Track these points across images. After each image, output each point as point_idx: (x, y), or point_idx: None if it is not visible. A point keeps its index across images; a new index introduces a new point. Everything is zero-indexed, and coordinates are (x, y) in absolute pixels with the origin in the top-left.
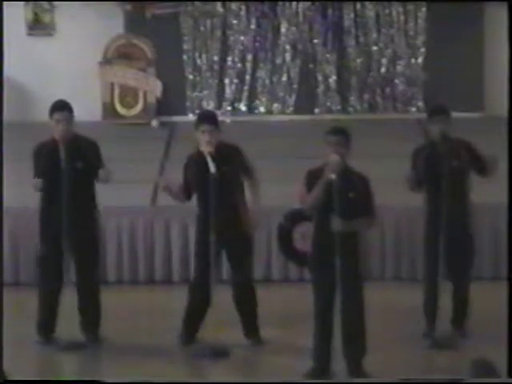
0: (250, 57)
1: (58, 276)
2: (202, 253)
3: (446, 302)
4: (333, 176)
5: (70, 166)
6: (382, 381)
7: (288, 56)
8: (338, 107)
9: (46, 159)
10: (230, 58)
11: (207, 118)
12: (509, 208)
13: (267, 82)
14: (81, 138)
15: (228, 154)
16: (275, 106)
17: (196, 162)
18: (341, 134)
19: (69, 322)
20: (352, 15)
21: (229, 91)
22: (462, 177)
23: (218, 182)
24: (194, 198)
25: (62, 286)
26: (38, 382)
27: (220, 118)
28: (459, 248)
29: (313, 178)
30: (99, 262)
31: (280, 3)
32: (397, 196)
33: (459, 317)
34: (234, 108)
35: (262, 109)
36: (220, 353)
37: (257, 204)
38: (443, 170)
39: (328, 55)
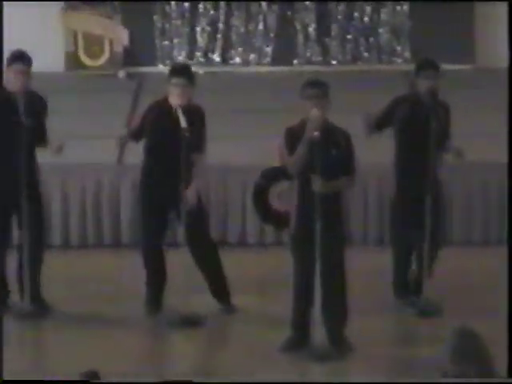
0: (222, 3)
1: (5, 240)
2: (157, 212)
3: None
4: (316, 133)
5: (27, 121)
6: (382, 381)
7: (264, 3)
8: (319, 58)
9: (1, 111)
10: (201, 5)
11: (181, 71)
12: (508, 176)
13: (242, 30)
14: (34, 93)
15: (195, 114)
16: (251, 56)
17: (163, 112)
18: (319, 87)
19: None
20: None
21: (201, 40)
22: (438, 139)
23: (187, 138)
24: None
25: (8, 250)
26: (37, 382)
27: (192, 69)
28: (436, 211)
29: (293, 136)
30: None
31: None
32: (381, 154)
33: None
34: (207, 58)
35: (237, 59)
36: (189, 321)
37: (201, 179)
38: (426, 127)
39: (307, 2)
